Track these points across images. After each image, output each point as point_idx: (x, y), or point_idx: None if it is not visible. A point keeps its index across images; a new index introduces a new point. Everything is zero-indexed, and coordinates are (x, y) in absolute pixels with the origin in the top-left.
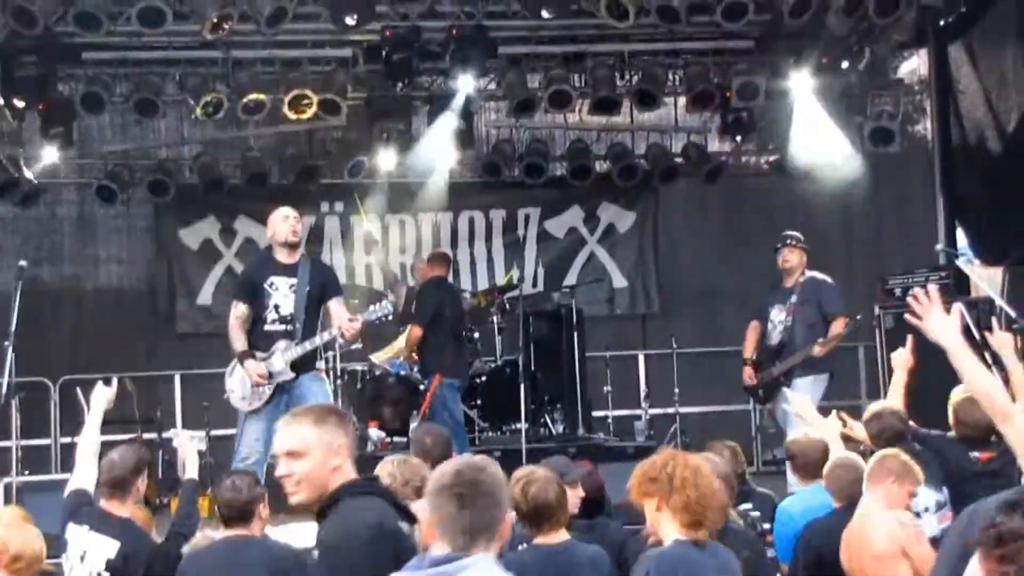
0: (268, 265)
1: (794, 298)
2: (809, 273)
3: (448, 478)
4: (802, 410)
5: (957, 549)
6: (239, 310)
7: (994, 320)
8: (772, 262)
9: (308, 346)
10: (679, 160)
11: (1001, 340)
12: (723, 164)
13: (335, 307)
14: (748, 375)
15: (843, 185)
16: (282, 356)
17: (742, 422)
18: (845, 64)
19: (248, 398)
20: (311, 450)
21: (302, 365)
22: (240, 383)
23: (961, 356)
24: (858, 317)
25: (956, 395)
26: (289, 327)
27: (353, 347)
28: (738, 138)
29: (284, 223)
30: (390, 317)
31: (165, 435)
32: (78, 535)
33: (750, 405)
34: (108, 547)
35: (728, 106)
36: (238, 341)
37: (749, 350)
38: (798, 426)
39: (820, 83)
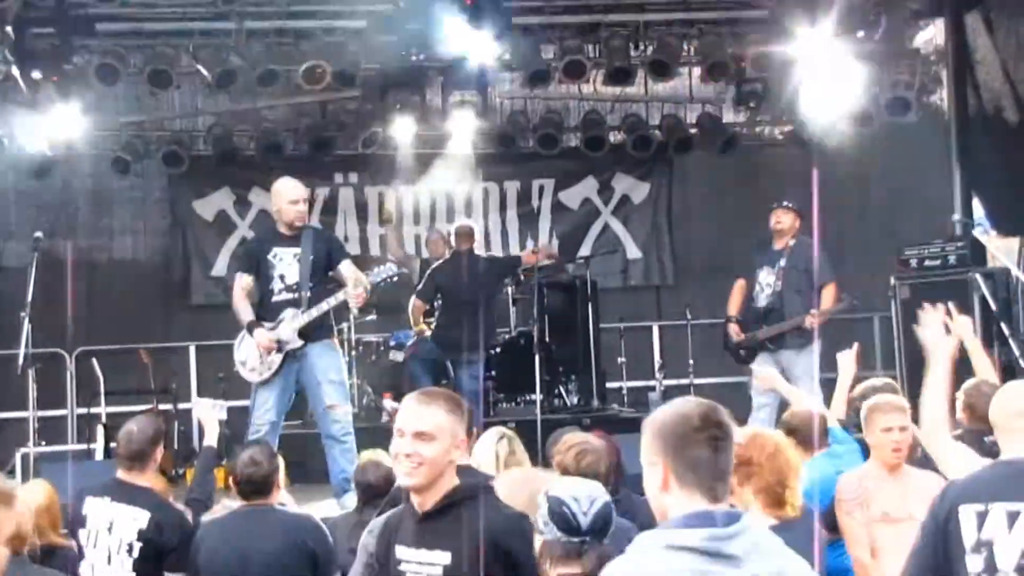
0: (272, 237)
1: (783, 261)
2: (801, 237)
3: (696, 420)
4: (772, 383)
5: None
6: (244, 281)
7: (951, 305)
8: None
9: (315, 312)
10: (693, 131)
11: (961, 324)
12: (737, 135)
13: (347, 269)
14: (734, 331)
15: (858, 155)
16: (290, 324)
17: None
18: (861, 34)
19: (258, 368)
20: (441, 436)
21: (311, 333)
22: (249, 354)
23: (937, 366)
24: (855, 299)
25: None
26: (295, 295)
27: (368, 318)
28: (752, 108)
29: (292, 207)
30: (396, 278)
31: (185, 404)
32: (98, 507)
33: None
34: (139, 517)
35: (743, 76)
36: (244, 312)
37: (734, 307)
38: (762, 396)
39: (835, 53)
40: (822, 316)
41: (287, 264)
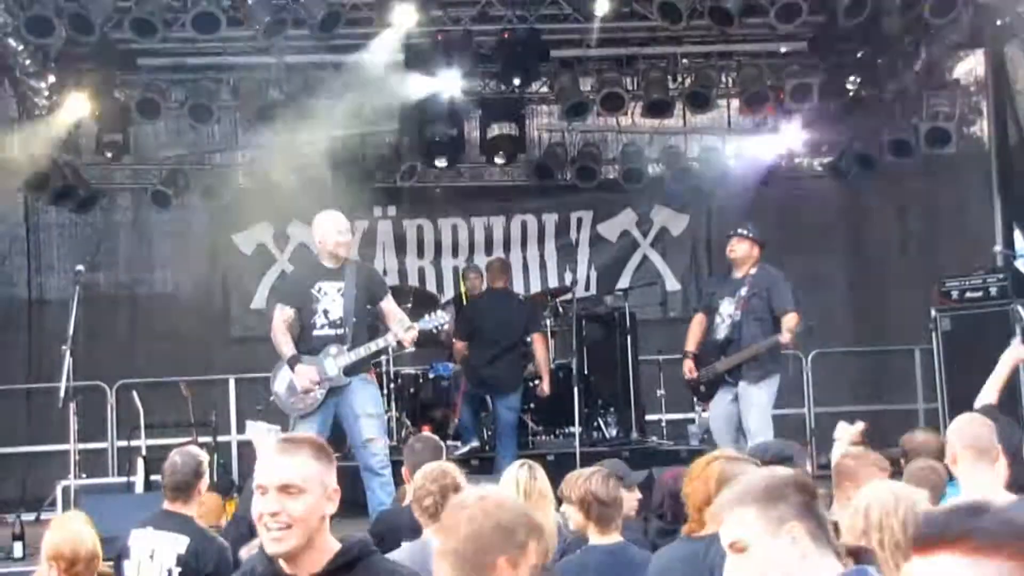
0: (315, 271)
1: (744, 291)
2: (761, 265)
3: (801, 477)
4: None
5: None
6: (286, 313)
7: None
8: (825, 264)
9: (362, 352)
10: (732, 162)
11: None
12: (776, 166)
13: (388, 306)
14: (688, 368)
15: (898, 187)
16: (335, 361)
17: (797, 425)
18: (900, 65)
19: (298, 403)
20: (311, 487)
21: (353, 369)
22: (287, 387)
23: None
24: (811, 324)
25: None
26: (339, 331)
27: (406, 351)
28: (791, 140)
29: (337, 237)
30: (445, 327)
31: (224, 437)
32: (142, 537)
33: (804, 408)
34: (178, 543)
35: (782, 108)
36: (285, 345)
37: (692, 343)
38: (717, 435)
39: (874, 85)
40: (789, 336)
41: (331, 299)
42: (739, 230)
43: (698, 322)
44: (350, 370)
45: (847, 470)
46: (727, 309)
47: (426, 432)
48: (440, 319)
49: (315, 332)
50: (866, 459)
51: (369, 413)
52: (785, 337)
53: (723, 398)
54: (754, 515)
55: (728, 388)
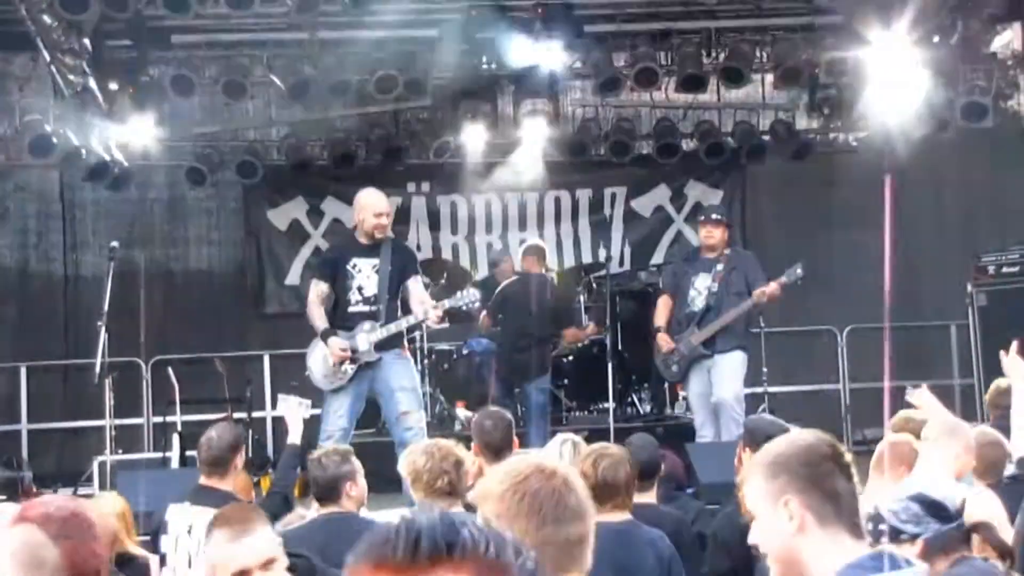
0: (351, 247)
1: (720, 266)
2: (735, 247)
3: (827, 448)
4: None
5: None
6: (320, 288)
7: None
8: (860, 240)
9: (393, 328)
10: (767, 138)
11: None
12: (811, 142)
13: (413, 286)
14: (664, 340)
15: (934, 161)
16: (367, 337)
17: (832, 401)
18: (936, 39)
19: (329, 376)
20: (279, 551)
21: (386, 345)
22: (322, 361)
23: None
24: (799, 271)
25: None
26: (373, 308)
27: (441, 326)
28: (826, 115)
29: (375, 219)
30: (476, 304)
31: (259, 412)
32: (179, 512)
33: (839, 384)
34: None
35: (816, 83)
36: (319, 319)
37: (662, 319)
38: (697, 412)
39: (911, 58)
40: (773, 290)
41: (365, 276)
42: (714, 215)
43: (664, 302)
44: (382, 346)
45: (881, 456)
46: (703, 283)
47: (493, 408)
48: (471, 297)
49: (349, 309)
50: (902, 447)
51: (404, 387)
52: (772, 288)
53: (700, 373)
54: (759, 484)
55: (703, 361)
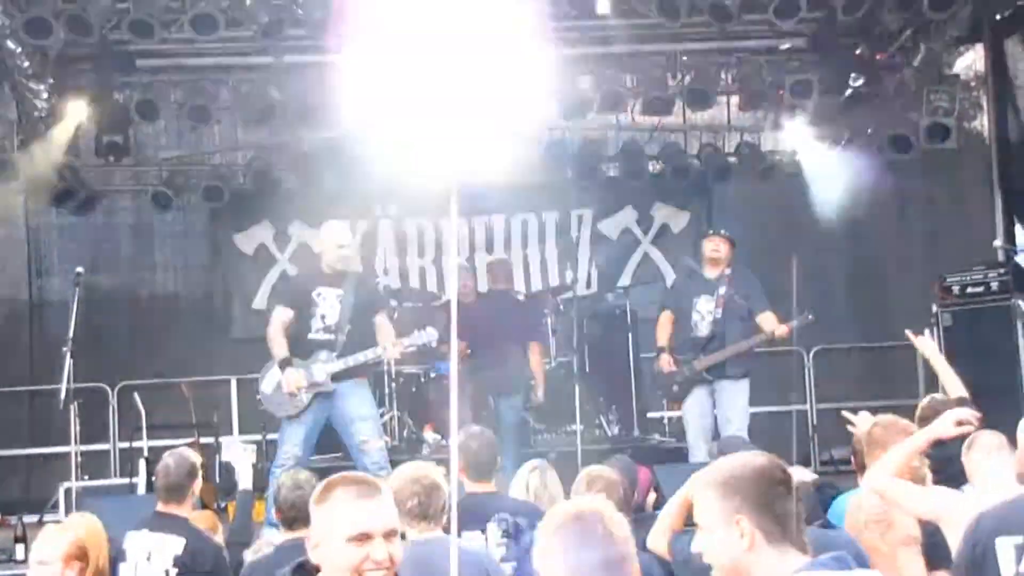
0: (317, 275)
1: (723, 289)
2: (736, 265)
3: (777, 472)
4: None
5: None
6: (285, 315)
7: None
8: (826, 261)
9: (351, 362)
10: (733, 159)
11: (923, 344)
12: (777, 162)
13: (381, 320)
14: (666, 362)
15: (899, 182)
16: (324, 367)
17: (798, 421)
18: (899, 60)
19: (284, 404)
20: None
21: (343, 375)
22: (275, 388)
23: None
24: (809, 314)
25: None
26: (332, 336)
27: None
28: (791, 136)
29: (338, 250)
30: (433, 345)
31: (228, 437)
32: (137, 539)
33: (807, 405)
34: (174, 544)
35: (781, 104)
36: (279, 346)
37: (664, 338)
38: (691, 433)
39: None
40: (783, 332)
41: (329, 304)
42: (721, 231)
43: (667, 319)
44: (339, 377)
45: (876, 438)
46: (706, 307)
47: (477, 427)
48: (429, 336)
49: (309, 335)
50: (894, 427)
51: (363, 415)
52: (782, 330)
53: (699, 396)
54: (713, 501)
55: (705, 386)
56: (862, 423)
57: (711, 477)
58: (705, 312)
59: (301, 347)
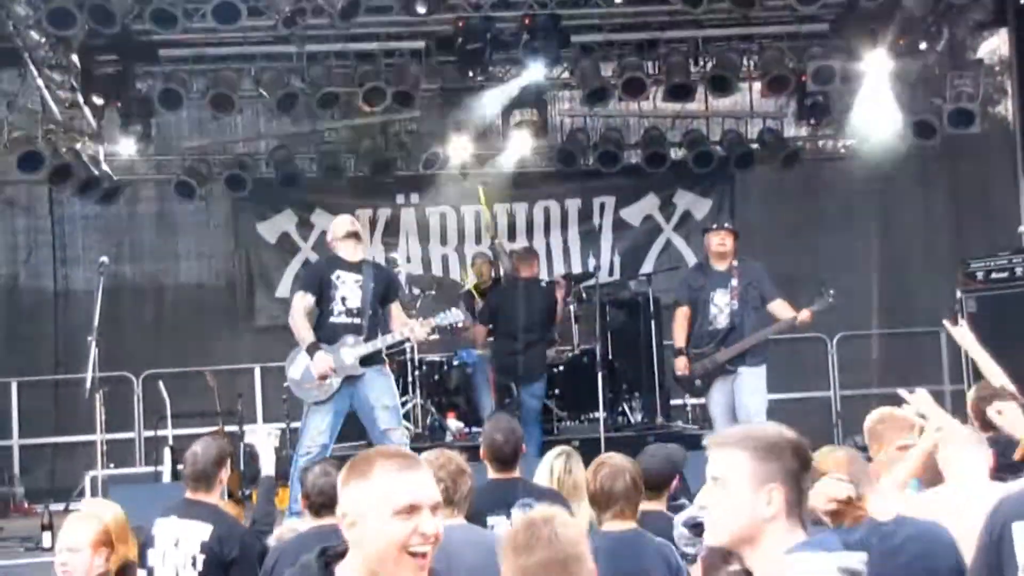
0: (335, 261)
1: (735, 281)
2: (742, 257)
3: (807, 448)
4: (927, 407)
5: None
6: (306, 301)
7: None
8: (849, 246)
9: (379, 344)
10: (755, 146)
11: (958, 334)
12: (799, 149)
13: (396, 310)
14: (682, 365)
15: (922, 168)
16: (352, 351)
17: (822, 408)
18: (923, 45)
19: (313, 389)
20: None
21: (369, 360)
22: (303, 373)
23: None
24: (831, 293)
25: None
26: (356, 320)
27: (431, 337)
28: (814, 123)
29: (344, 236)
30: (460, 324)
31: (252, 425)
32: (166, 526)
33: (830, 392)
34: (201, 530)
35: (804, 91)
36: (305, 331)
37: (681, 339)
38: (718, 424)
39: (898, 65)
40: (804, 319)
41: (349, 288)
42: (726, 224)
43: (684, 315)
44: (366, 360)
45: (876, 434)
46: (722, 300)
47: (502, 414)
48: (454, 317)
49: (332, 319)
50: (894, 421)
51: (385, 404)
52: (805, 315)
53: (724, 387)
54: (745, 461)
55: (727, 376)
56: (917, 402)
57: (744, 437)
58: (723, 305)
59: (325, 331)
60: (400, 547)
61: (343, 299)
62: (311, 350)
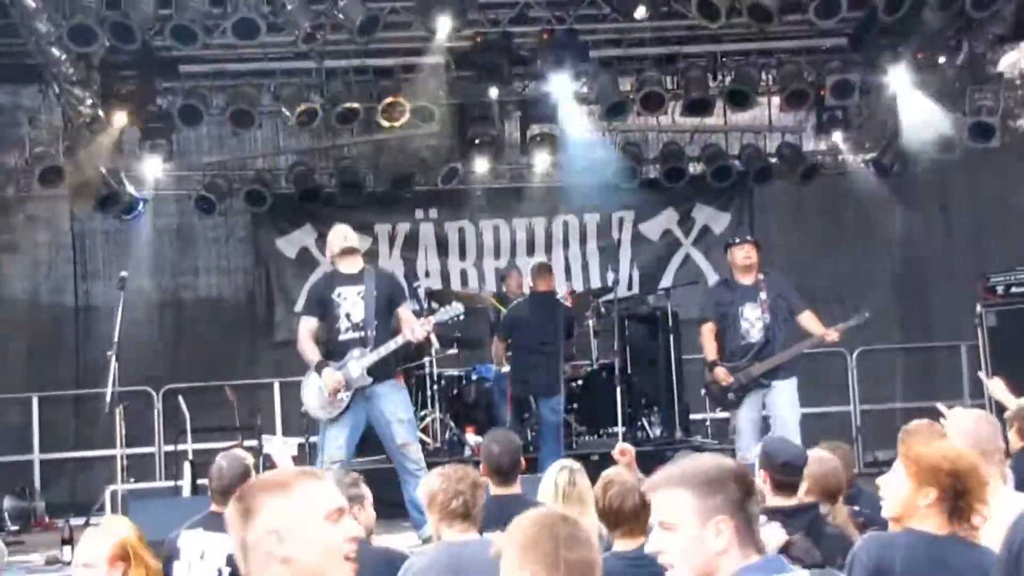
0: (334, 277)
1: (763, 295)
2: (765, 269)
3: (746, 476)
4: (1001, 394)
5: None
6: (310, 324)
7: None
8: (868, 261)
9: (383, 351)
10: (774, 160)
11: (993, 386)
12: (818, 163)
13: (404, 313)
14: (723, 375)
15: (942, 181)
16: (358, 363)
17: (841, 422)
18: (942, 59)
19: (326, 407)
20: None
21: (379, 371)
22: (317, 393)
23: None
24: (866, 311)
25: None
26: (362, 333)
27: (449, 352)
28: (833, 137)
29: (341, 245)
30: (461, 318)
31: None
32: (192, 538)
33: (849, 407)
34: (227, 543)
35: (823, 105)
36: (311, 352)
37: (713, 352)
38: (745, 436)
39: (917, 79)
40: (839, 331)
41: (352, 303)
42: (748, 237)
43: (710, 331)
44: (373, 370)
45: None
46: (753, 313)
47: (500, 429)
48: (455, 310)
49: (340, 337)
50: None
51: (400, 418)
52: (833, 336)
53: (755, 401)
54: (689, 500)
55: (759, 390)
56: (994, 389)
57: (686, 476)
58: (754, 319)
59: (335, 350)
60: (338, 550)
61: (347, 315)
62: (319, 368)
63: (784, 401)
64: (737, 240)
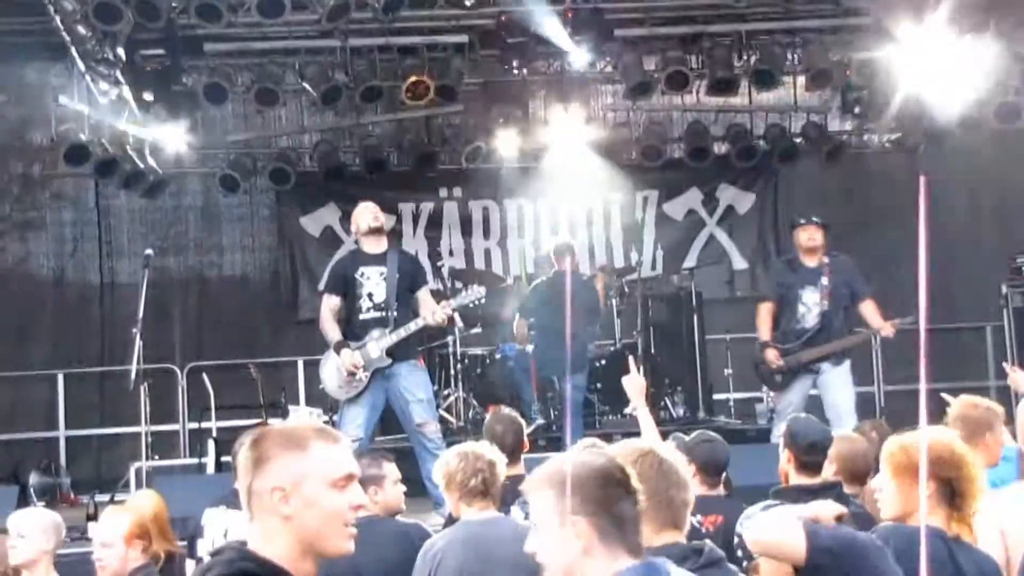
0: (357, 257)
1: (825, 280)
2: (833, 252)
3: (619, 473)
4: None
5: None
6: (332, 302)
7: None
8: (893, 242)
9: (403, 333)
10: (799, 140)
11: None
12: (843, 143)
13: (424, 296)
14: (774, 356)
15: (967, 162)
16: (377, 344)
17: (866, 404)
18: (968, 38)
19: (344, 386)
20: None
21: (399, 352)
22: (335, 373)
23: None
24: (915, 319)
25: None
26: (383, 314)
27: (473, 331)
28: (858, 116)
29: (367, 222)
30: (483, 300)
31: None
32: (215, 516)
33: (874, 387)
34: None
35: (848, 84)
36: (332, 331)
37: (767, 332)
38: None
39: (943, 59)
40: (888, 333)
41: (374, 283)
42: (814, 218)
43: (768, 310)
44: (393, 351)
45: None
46: (812, 298)
47: (504, 409)
48: (476, 294)
49: (361, 316)
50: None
51: (419, 398)
52: (888, 331)
53: (803, 385)
54: (550, 499)
55: (808, 375)
56: (1017, 383)
57: (548, 475)
58: (811, 304)
59: (355, 329)
60: (340, 517)
61: (369, 295)
62: (338, 348)
63: (836, 385)
64: (802, 221)
